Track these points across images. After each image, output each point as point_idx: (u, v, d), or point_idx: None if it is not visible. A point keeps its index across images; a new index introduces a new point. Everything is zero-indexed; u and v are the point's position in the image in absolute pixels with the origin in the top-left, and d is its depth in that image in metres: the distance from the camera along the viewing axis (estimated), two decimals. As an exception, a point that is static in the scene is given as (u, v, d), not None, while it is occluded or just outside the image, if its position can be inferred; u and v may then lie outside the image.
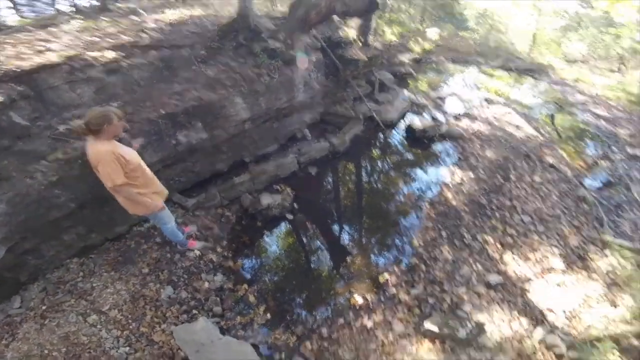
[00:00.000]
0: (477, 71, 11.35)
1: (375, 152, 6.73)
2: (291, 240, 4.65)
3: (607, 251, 4.25)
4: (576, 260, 4.15)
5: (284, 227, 4.72)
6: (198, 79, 4.82)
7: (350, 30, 8.34)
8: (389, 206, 5.25)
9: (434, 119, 7.60)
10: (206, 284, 3.56)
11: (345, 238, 4.77)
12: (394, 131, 7.26)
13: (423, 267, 4.09)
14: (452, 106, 8.40)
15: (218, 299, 3.47)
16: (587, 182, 5.77)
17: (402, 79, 10.06)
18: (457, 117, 7.55)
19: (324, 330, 3.36)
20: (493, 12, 15.52)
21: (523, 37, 15.67)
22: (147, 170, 3.04)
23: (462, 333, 3.21)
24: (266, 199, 4.71)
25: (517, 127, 7.08)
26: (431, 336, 3.25)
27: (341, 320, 3.44)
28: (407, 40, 12.27)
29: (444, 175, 5.67)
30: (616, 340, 3.06)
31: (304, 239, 4.71)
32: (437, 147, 6.60)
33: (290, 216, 4.78)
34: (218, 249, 4.02)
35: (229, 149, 5.28)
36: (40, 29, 4.61)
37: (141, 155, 3.12)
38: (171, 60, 4.84)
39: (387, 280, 3.91)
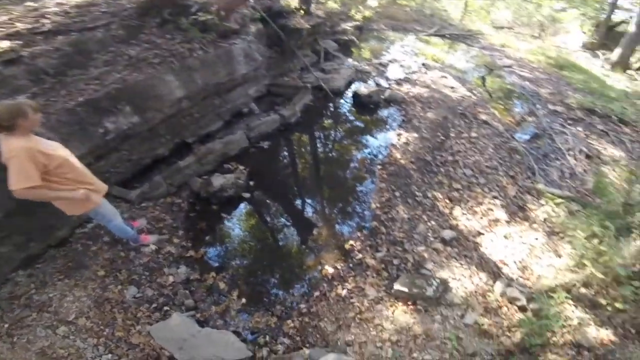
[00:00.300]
0: (415, 38, 11.61)
1: (326, 120, 6.71)
2: (253, 219, 4.47)
3: (542, 200, 4.70)
4: (517, 210, 4.55)
5: (242, 207, 4.50)
6: (119, 61, 4.31)
7: (291, 1, 7.94)
8: (346, 173, 5.34)
9: (377, 85, 7.72)
10: (171, 278, 3.35)
11: (307, 210, 4.74)
12: (341, 99, 7.25)
13: (383, 229, 4.19)
14: (394, 72, 8.58)
15: (187, 291, 3.28)
16: (517, 135, 6.35)
17: (345, 47, 9.98)
18: (398, 82, 7.75)
19: (303, 306, 3.32)
20: (428, -21, 15.76)
21: (455, 5, 16.25)
22: (79, 164, 2.75)
23: (429, 292, 3.31)
24: (218, 180, 4.38)
25: (453, 89, 7.46)
26: (403, 297, 3.34)
27: (317, 293, 3.42)
28: (348, 8, 12.07)
29: (391, 138, 5.87)
30: (567, 289, 3.34)
31: (266, 217, 4.55)
32: (383, 111, 6.77)
33: (247, 195, 4.56)
34: (175, 240, 3.77)
35: (167, 131, 4.85)
36: None
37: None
38: (83, 43, 4.23)
39: (352, 246, 3.94)
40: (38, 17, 4.39)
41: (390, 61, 9.36)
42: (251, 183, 4.74)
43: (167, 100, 4.57)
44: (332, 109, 7.00)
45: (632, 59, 11.33)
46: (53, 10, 4.75)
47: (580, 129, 6.80)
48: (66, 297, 3.07)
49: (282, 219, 4.58)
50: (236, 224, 4.30)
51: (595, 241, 3.70)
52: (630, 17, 11.45)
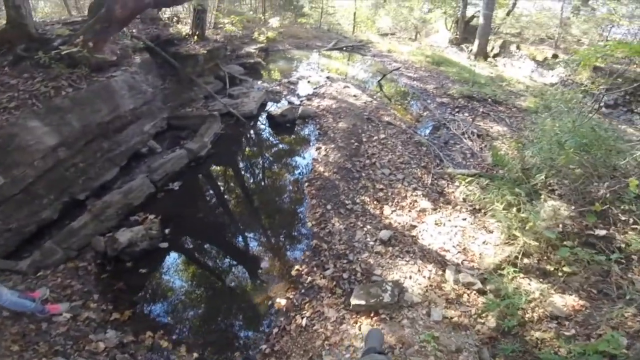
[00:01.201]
0: (318, 55, 11.77)
1: (242, 147, 6.16)
2: (180, 268, 3.89)
3: (456, 182, 4.85)
4: (437, 197, 4.65)
5: (162, 258, 3.87)
6: None
7: (183, 26, 7.19)
8: (272, 197, 4.89)
9: (290, 103, 7.45)
10: (101, 344, 2.92)
11: (239, 244, 4.21)
12: (255, 122, 6.75)
13: (324, 245, 3.89)
14: (303, 89, 8.45)
15: (126, 355, 2.86)
16: (419, 130, 6.63)
17: (253, 70, 9.57)
18: (309, 98, 7.61)
19: (265, 347, 2.96)
20: (319, -5, 16.27)
21: (347, 17, 17.12)
22: None
23: (386, 298, 3.09)
24: (124, 235, 3.72)
25: (356, 97, 7.59)
26: (363, 311, 3.08)
27: (276, 330, 3.08)
28: (251, 31, 11.68)
29: (311, 153, 5.60)
30: (512, 263, 3.30)
31: (195, 262, 3.94)
32: (299, 128, 6.47)
33: (164, 244, 3.95)
34: (92, 305, 3.28)
35: (48, 190, 3.97)
36: None
37: None
38: None
39: (299, 271, 3.61)
40: None
41: (298, 78, 9.22)
42: (167, 231, 4.12)
43: (35, 151, 3.66)
44: (247, 134, 6.46)
45: (488, 48, 13.10)
46: None
47: (466, 114, 7.44)
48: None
49: (214, 259, 4.00)
50: (161, 277, 3.73)
51: (514, 210, 3.84)
52: (479, 11, 13.15)
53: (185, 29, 6.98)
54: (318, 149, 5.58)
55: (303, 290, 3.38)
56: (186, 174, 5.17)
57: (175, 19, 7.49)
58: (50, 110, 3.73)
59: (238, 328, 3.23)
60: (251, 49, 10.25)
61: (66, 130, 3.93)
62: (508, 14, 13.31)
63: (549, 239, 3.30)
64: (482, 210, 4.29)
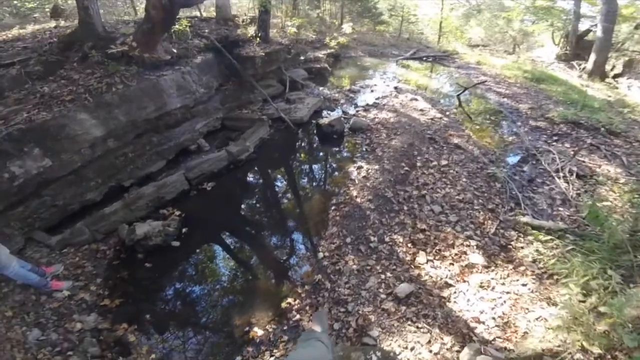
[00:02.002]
0: (394, 63, 10.88)
1: (283, 155, 5.76)
2: (179, 271, 3.73)
3: (529, 236, 3.65)
4: (498, 251, 3.55)
5: (169, 257, 3.78)
6: (30, 99, 3.77)
7: (250, 28, 7.24)
8: (296, 217, 4.39)
9: (344, 112, 6.83)
10: (79, 325, 3.04)
11: (244, 261, 3.87)
12: (304, 130, 6.32)
13: (328, 284, 3.34)
14: (363, 98, 7.76)
15: (94, 339, 2.95)
16: (497, 158, 5.29)
17: (318, 75, 9.26)
18: (366, 109, 6.89)
19: None
20: (403, 4, 15.33)
21: (432, 27, 15.73)
22: None
23: None
24: (142, 228, 3.79)
25: (422, 111, 6.59)
26: None
27: (239, 359, 2.81)
28: (323, 36, 11.50)
29: (350, 172, 4.89)
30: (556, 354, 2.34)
31: (194, 269, 3.77)
32: (346, 141, 5.81)
33: (176, 243, 3.90)
34: (92, 288, 3.42)
35: (97, 175, 4.22)
36: None
37: None
38: None
39: (290, 305, 3.20)
40: None
41: (362, 87, 8.59)
42: (184, 230, 4.06)
43: (83, 140, 3.88)
44: (292, 142, 6.09)
45: (607, 67, 10.43)
46: None
47: (567, 145, 5.77)
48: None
49: (215, 268, 3.77)
50: (160, 275, 3.62)
51: (594, 298, 2.62)
52: (594, 25, 10.70)
53: (251, 30, 6.97)
54: (359, 168, 4.86)
55: (285, 327, 3.00)
56: (223, 175, 5.03)
57: (248, 20, 7.58)
58: (99, 105, 3.91)
59: (204, 345, 3.02)
60: (320, 54, 9.97)
61: (113, 123, 4.09)
62: (637, 27, 10.41)
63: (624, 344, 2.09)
64: (554, 276, 3.13)
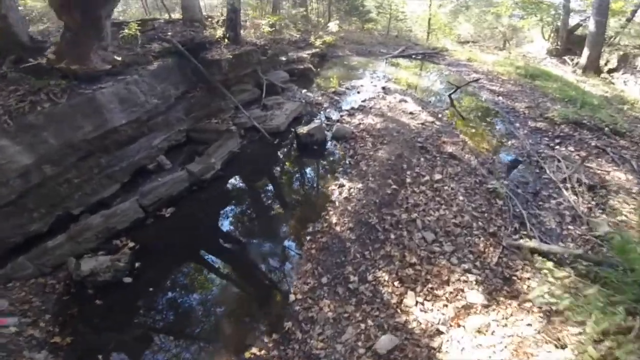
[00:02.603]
0: (383, 62, 10.25)
1: (256, 171, 5.07)
2: (130, 309, 3.25)
3: (537, 263, 3.05)
4: (500, 285, 2.96)
5: (120, 294, 3.34)
6: None
7: (220, 29, 6.50)
8: (267, 247, 3.69)
9: (327, 118, 6.15)
10: None
11: (203, 302, 3.24)
12: (280, 140, 5.62)
13: (299, 334, 2.77)
14: (348, 101, 7.09)
15: None
16: (496, 167, 4.66)
17: (302, 77, 8.61)
18: (351, 113, 6.24)
19: None
20: (391, 1, 14.69)
21: (420, 24, 15.14)
22: None
23: None
24: (88, 264, 3.39)
25: (412, 115, 5.94)
26: None
27: None
28: (308, 35, 10.80)
29: (330, 191, 4.21)
30: None
31: (146, 308, 3.25)
32: (327, 152, 5.14)
33: (128, 279, 3.44)
34: (41, 324, 3.13)
35: (38, 204, 3.72)
36: None
37: None
38: None
39: (253, 356, 2.70)
40: None
41: (347, 89, 7.93)
42: (137, 265, 3.57)
43: (8, 169, 3.30)
44: (266, 155, 5.39)
45: (602, 61, 9.96)
46: None
47: (571, 148, 5.20)
48: None
49: (167, 311, 3.21)
50: (111, 314, 3.22)
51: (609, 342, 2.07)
52: (587, 19, 10.26)
53: (220, 31, 6.25)
54: (340, 186, 4.19)
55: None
56: (184, 199, 4.34)
57: (220, 20, 6.85)
58: (21, 128, 3.25)
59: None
60: (304, 54, 9.29)
61: (42, 148, 3.44)
62: (628, 20, 10.06)
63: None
64: (565, 312, 2.57)
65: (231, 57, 5.57)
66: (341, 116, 6.13)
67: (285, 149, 5.52)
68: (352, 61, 10.38)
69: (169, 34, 5.91)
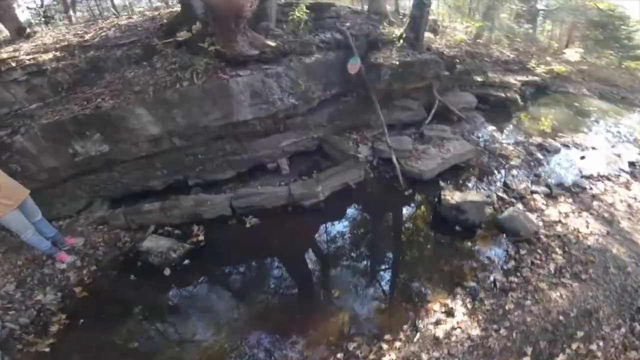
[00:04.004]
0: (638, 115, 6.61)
1: (360, 225, 3.93)
2: (145, 304, 3.10)
3: None
4: None
5: (153, 282, 3.29)
6: (114, 84, 3.81)
7: (399, 28, 5.50)
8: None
9: (505, 187, 4.18)
10: (40, 297, 3.11)
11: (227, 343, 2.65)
12: (416, 193, 4.23)
13: None
14: (558, 169, 4.66)
15: (33, 312, 2.98)
16: None
17: (497, 107, 6.61)
18: (551, 194, 3.96)
19: None
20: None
21: None
22: None
23: None
24: (150, 241, 3.50)
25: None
26: None
27: None
28: (527, 58, 8.24)
29: (424, 313, 2.62)
30: None
31: (159, 313, 3.02)
32: (470, 243, 3.38)
33: (167, 272, 3.33)
34: (84, 272, 3.39)
35: (163, 166, 4.16)
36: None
37: (38, 159, 3.39)
38: (102, 61, 3.99)
39: None
40: (89, 32, 4.47)
41: (564, 145, 5.39)
42: (186, 262, 3.45)
43: (140, 135, 3.68)
44: (385, 208, 4.13)
45: None
46: (106, 26, 4.68)
47: None
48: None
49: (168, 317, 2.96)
50: (127, 298, 3.18)
51: None
52: None
53: (399, 31, 5.19)
54: (446, 315, 2.50)
55: None
56: (273, 216, 3.87)
57: (402, 17, 5.82)
58: (157, 102, 3.44)
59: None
60: (513, 79, 7.02)
61: (170, 124, 3.63)
62: None
63: None
64: None
65: (397, 64, 4.46)
66: (532, 192, 4.00)
67: (415, 211, 4.06)
68: (587, 104, 7.16)
69: (347, 24, 5.40)
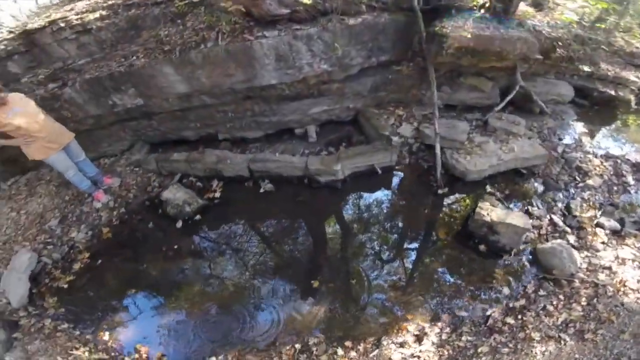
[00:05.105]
0: None
1: (375, 215, 3.78)
2: (155, 249, 3.57)
3: None
4: None
5: (164, 230, 3.76)
6: (148, 42, 4.00)
7: None
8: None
9: (567, 209, 3.56)
10: (74, 234, 3.63)
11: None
12: (450, 193, 3.83)
13: None
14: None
15: (66, 248, 3.51)
16: None
17: (600, 106, 5.41)
18: (619, 231, 3.29)
19: None
20: None
21: None
22: (38, 127, 3.28)
23: None
24: (169, 192, 3.89)
25: None
26: None
27: None
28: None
29: (405, 331, 2.55)
30: None
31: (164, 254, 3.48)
32: (490, 272, 3.01)
33: (179, 224, 3.77)
34: (114, 213, 3.90)
35: (197, 119, 4.55)
36: None
37: (84, 108, 3.89)
38: (140, 19, 4.14)
39: None
40: None
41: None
42: (197, 217, 3.83)
43: (168, 92, 4.01)
44: (411, 206, 3.85)
45: None
46: None
47: None
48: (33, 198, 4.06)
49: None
50: (136, 245, 3.67)
51: None
52: None
53: None
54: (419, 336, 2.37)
55: None
56: (289, 185, 4.04)
57: None
58: (183, 62, 3.58)
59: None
60: (633, 75, 5.51)
61: (196, 84, 3.80)
62: None
63: None
64: None
65: (469, 36, 3.73)
66: (595, 225, 3.32)
67: (441, 216, 3.69)
68: None
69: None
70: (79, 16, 4.08)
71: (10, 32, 4.21)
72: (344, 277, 3.09)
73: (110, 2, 4.33)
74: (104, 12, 4.12)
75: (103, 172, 4.26)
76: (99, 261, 3.42)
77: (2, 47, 4.00)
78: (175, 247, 3.54)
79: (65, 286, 3.18)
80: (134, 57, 3.79)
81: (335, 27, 3.58)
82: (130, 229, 3.78)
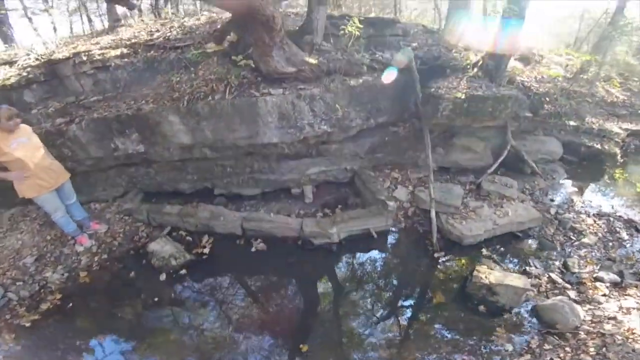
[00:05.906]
0: None
1: (370, 279, 3.82)
2: (134, 299, 3.52)
3: None
4: None
5: (146, 284, 3.67)
6: (160, 87, 4.33)
7: (475, 54, 5.06)
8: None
9: (564, 267, 3.68)
10: (48, 274, 3.65)
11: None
12: (447, 258, 3.93)
13: None
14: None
15: (36, 287, 3.50)
16: None
17: (588, 162, 5.92)
18: (619, 283, 3.45)
19: None
20: None
21: None
22: (34, 162, 3.38)
23: None
24: (156, 244, 3.97)
25: None
26: None
27: None
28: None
29: None
30: None
31: (135, 320, 3.34)
32: (490, 330, 3.02)
33: (163, 277, 3.73)
34: (95, 258, 3.93)
35: (194, 171, 4.72)
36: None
37: (86, 148, 4.03)
38: (157, 62, 4.55)
39: None
40: (159, 30, 5.18)
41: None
42: (182, 272, 3.79)
43: (171, 141, 4.18)
44: (403, 267, 3.95)
45: None
46: (176, 26, 5.14)
47: None
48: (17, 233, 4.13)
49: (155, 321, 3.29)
50: (115, 294, 3.62)
51: None
52: None
53: (476, 57, 4.79)
54: None
55: None
56: (284, 247, 4.06)
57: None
58: (189, 112, 3.89)
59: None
60: (617, 127, 6.04)
61: (199, 136, 4.06)
62: None
63: None
64: None
65: (463, 97, 4.09)
66: (594, 280, 3.42)
67: (438, 280, 3.76)
68: None
69: (414, 44, 5.24)
70: (102, 51, 4.51)
71: (37, 59, 4.55)
72: (336, 340, 3.04)
73: (133, 41, 4.79)
74: (125, 50, 4.53)
75: (92, 217, 4.33)
76: (70, 304, 3.40)
77: (25, 74, 4.32)
78: (156, 299, 3.50)
79: (28, 324, 3.14)
80: (144, 101, 4.06)
81: (337, 87, 3.97)
82: (110, 275, 3.79)
